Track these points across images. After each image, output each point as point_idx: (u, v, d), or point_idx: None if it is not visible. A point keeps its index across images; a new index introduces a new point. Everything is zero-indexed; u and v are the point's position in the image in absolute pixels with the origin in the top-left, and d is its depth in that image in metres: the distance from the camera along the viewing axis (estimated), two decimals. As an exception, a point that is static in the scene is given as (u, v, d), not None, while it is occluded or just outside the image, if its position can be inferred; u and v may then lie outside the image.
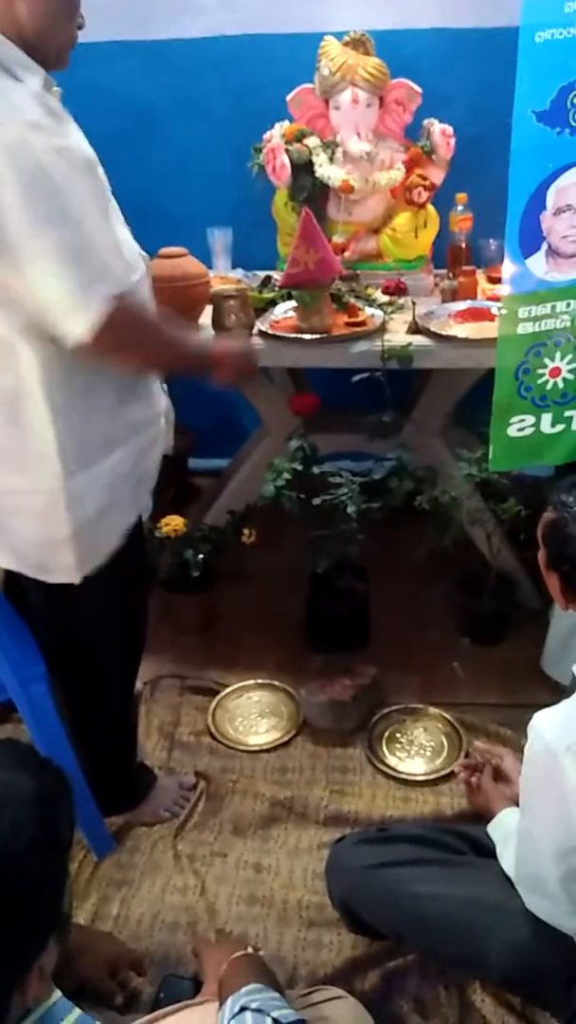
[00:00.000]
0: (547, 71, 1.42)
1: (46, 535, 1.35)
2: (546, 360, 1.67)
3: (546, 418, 1.73)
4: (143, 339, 1.33)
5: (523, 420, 1.71)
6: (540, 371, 1.67)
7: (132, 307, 1.27)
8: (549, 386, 1.69)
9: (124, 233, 1.37)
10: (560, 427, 1.74)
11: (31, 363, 1.24)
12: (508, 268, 1.59)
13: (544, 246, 1.57)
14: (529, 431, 1.73)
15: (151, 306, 1.42)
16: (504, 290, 1.62)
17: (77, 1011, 0.83)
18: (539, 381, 1.68)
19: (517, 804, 1.33)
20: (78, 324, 1.19)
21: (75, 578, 1.39)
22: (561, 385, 1.70)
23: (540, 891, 1.13)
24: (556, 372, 1.68)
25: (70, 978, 0.84)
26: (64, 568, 1.39)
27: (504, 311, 1.63)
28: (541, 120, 1.46)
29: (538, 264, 1.58)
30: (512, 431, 1.72)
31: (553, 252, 1.58)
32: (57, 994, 0.82)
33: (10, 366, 1.24)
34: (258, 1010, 0.98)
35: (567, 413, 1.73)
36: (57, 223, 1.16)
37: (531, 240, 1.56)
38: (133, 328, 1.29)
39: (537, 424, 1.73)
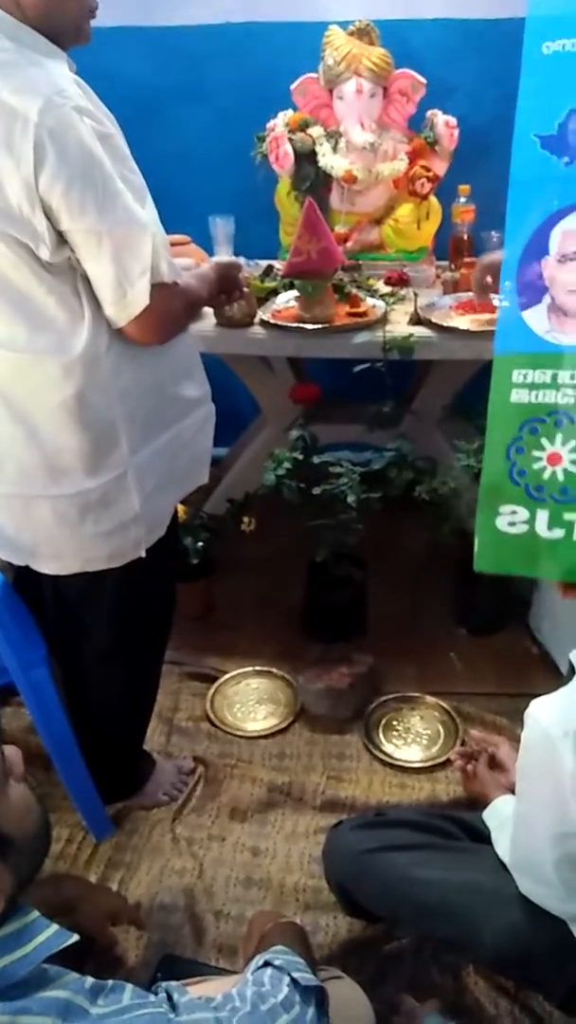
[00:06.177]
0: (556, 88, 1.18)
1: (119, 519, 1.37)
2: (543, 441, 1.32)
3: (542, 516, 1.35)
4: (179, 320, 1.36)
5: (515, 513, 1.36)
6: (536, 453, 1.33)
7: (170, 296, 1.29)
8: (547, 475, 1.33)
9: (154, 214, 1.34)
10: (559, 532, 1.34)
11: (92, 357, 1.25)
12: (502, 320, 1.31)
13: (546, 299, 1.28)
14: (522, 528, 1.36)
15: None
16: (496, 346, 1.33)
17: (54, 926, 0.86)
18: (535, 466, 1.34)
19: (512, 792, 1.35)
20: (120, 314, 1.24)
21: (142, 552, 1.42)
22: (561, 477, 1.32)
23: (534, 876, 1.15)
24: (556, 459, 1.32)
25: (72, 931, 0.88)
26: (134, 544, 1.41)
27: (495, 371, 1.33)
28: (547, 147, 1.21)
29: (538, 319, 1.29)
30: (502, 524, 1.37)
31: (557, 308, 1.29)
32: (35, 914, 0.86)
33: (75, 366, 1.25)
34: (279, 967, 1.00)
35: (567, 516, 1.33)
36: (101, 214, 1.15)
37: (530, 289, 1.28)
38: (171, 315, 1.32)
39: (531, 522, 1.35)
